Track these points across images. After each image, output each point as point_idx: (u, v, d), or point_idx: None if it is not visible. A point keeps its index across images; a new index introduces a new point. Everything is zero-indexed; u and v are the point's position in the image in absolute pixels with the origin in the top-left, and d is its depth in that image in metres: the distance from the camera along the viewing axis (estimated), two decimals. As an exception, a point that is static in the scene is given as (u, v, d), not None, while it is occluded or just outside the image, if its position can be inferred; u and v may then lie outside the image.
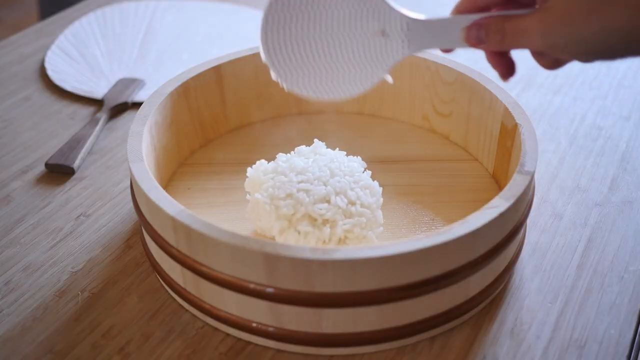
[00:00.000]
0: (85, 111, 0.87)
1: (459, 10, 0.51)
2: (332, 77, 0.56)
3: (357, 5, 0.53)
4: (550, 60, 0.49)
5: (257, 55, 0.76)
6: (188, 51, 1.00)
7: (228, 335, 0.57)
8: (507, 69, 0.52)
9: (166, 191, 0.58)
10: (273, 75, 0.56)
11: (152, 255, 0.62)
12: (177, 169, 0.73)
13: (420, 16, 0.53)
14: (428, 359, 0.55)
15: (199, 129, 0.75)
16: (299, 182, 0.59)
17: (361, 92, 0.56)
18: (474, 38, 0.50)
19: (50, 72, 0.94)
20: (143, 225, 0.60)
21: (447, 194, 0.69)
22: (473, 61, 0.74)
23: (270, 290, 0.52)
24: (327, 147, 0.65)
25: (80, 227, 0.68)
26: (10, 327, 0.58)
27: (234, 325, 0.56)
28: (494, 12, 0.50)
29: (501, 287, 0.61)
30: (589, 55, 0.46)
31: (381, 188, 0.62)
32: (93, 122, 0.83)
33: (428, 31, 0.53)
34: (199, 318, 0.59)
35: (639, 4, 0.41)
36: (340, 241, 0.59)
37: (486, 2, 0.50)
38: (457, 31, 0.52)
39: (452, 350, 0.56)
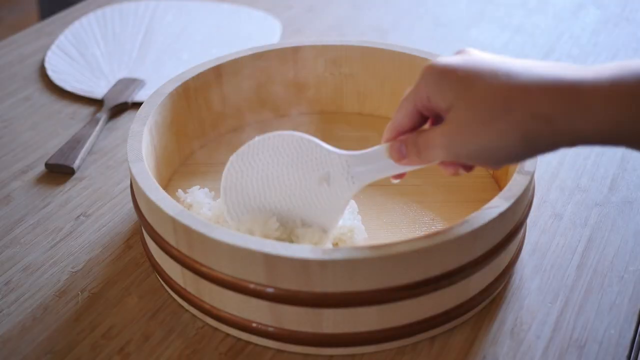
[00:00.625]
0: (85, 111, 0.87)
1: (386, 140, 0.55)
2: (293, 224, 0.59)
3: (299, 159, 0.57)
4: (453, 168, 0.53)
5: (257, 55, 0.76)
6: (188, 51, 1.00)
7: (228, 335, 0.57)
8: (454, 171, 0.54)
9: (166, 191, 0.58)
10: (233, 227, 0.59)
11: (152, 255, 0.62)
12: (177, 169, 0.73)
13: (355, 152, 0.56)
14: (428, 359, 0.55)
15: (199, 129, 0.75)
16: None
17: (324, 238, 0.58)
18: (397, 153, 0.54)
19: (50, 72, 0.94)
20: (143, 225, 0.60)
21: (447, 194, 0.69)
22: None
23: (270, 290, 0.52)
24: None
25: (80, 227, 0.68)
26: (10, 327, 0.58)
27: (234, 325, 0.56)
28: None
29: (501, 287, 0.61)
30: (495, 161, 0.48)
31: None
32: (93, 122, 0.83)
33: (365, 162, 0.56)
34: (199, 318, 0.59)
35: (529, 112, 0.44)
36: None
37: (409, 127, 0.53)
38: (386, 154, 0.55)
39: (452, 350, 0.56)
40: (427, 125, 0.54)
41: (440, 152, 0.50)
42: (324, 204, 0.58)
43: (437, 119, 0.52)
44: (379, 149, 0.55)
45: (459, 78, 0.47)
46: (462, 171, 0.53)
